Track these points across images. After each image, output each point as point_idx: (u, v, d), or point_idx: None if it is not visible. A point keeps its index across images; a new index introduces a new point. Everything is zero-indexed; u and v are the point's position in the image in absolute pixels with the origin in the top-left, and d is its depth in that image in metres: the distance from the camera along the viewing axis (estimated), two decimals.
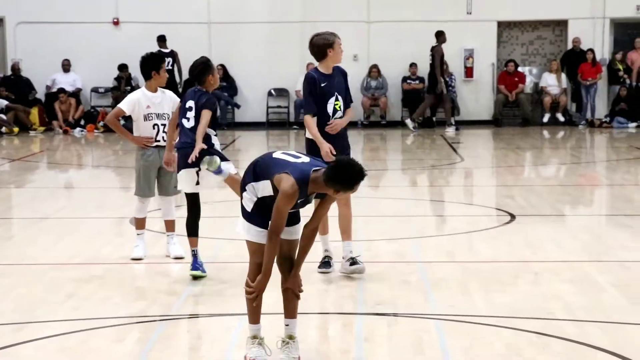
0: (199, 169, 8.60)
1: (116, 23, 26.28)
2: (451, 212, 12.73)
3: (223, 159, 8.62)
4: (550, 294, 7.96)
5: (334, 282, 8.52)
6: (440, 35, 24.23)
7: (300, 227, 6.17)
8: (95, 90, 26.44)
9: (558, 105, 25.96)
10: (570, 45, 26.11)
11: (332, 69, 8.71)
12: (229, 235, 10.25)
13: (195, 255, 8.66)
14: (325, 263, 8.82)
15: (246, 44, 26.02)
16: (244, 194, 6.12)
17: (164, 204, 9.50)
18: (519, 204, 12.71)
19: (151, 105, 9.26)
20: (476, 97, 26.39)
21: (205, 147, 8.46)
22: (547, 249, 9.91)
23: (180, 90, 23.97)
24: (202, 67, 8.70)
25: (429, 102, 25.01)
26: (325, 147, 8.51)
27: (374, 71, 25.82)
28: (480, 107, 26.36)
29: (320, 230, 8.79)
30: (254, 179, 6.07)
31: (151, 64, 9.31)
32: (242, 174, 6.37)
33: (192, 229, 8.75)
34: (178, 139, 8.79)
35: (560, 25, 26.52)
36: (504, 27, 26.52)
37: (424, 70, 26.00)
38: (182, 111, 8.70)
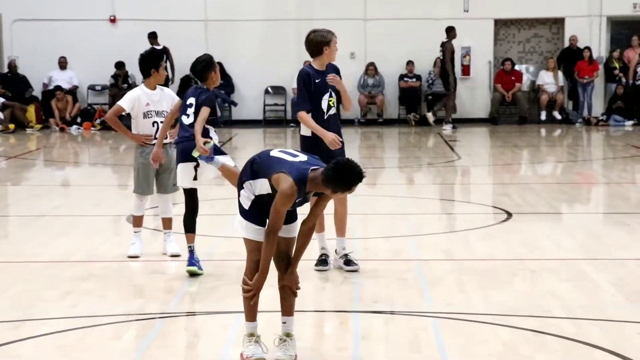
0: (197, 165, 8.60)
1: (113, 20, 26.26)
2: (448, 210, 12.74)
3: (221, 153, 8.63)
4: (547, 292, 7.97)
5: (331, 280, 8.53)
6: (450, 31, 24.28)
7: (297, 225, 6.17)
8: (92, 87, 26.42)
9: (555, 104, 25.96)
10: (567, 43, 26.12)
11: (325, 66, 8.73)
12: (226, 232, 10.26)
13: (191, 251, 8.66)
14: (322, 261, 8.83)
15: (243, 42, 26.01)
16: (242, 191, 6.11)
17: (162, 201, 9.50)
18: (516, 202, 12.71)
19: (150, 102, 9.26)
20: (473, 95, 26.39)
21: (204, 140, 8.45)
22: (544, 247, 9.91)
23: (169, 86, 23.93)
24: (204, 63, 8.70)
25: (453, 98, 24.96)
26: (329, 136, 8.51)
27: (371, 69, 25.82)
28: (477, 105, 26.37)
29: (317, 228, 8.79)
30: (251, 177, 6.07)
31: (150, 61, 9.30)
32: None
33: (190, 226, 8.75)
34: (177, 134, 8.80)
35: (557, 23, 26.53)
36: (500, 25, 26.53)
37: (420, 68, 26.02)
38: (183, 108, 8.71)
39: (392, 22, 25.92)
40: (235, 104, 25.84)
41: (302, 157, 6.05)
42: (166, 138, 9.35)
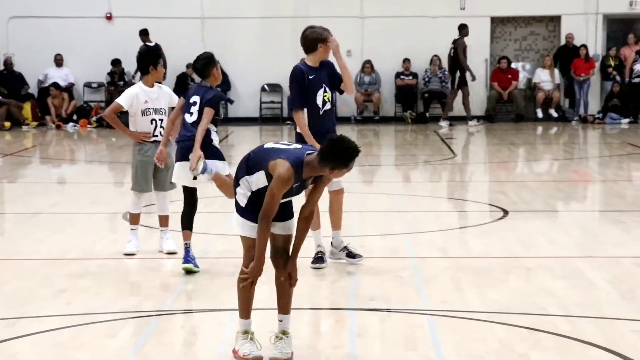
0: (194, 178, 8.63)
1: (109, 18, 26.24)
2: (444, 207, 12.74)
3: (220, 157, 8.63)
4: (542, 289, 7.97)
5: (327, 277, 8.53)
6: (463, 28, 24.33)
7: (294, 222, 6.17)
8: (88, 85, 26.41)
9: (551, 101, 25.98)
10: (563, 41, 26.14)
11: (319, 62, 8.74)
12: (222, 230, 10.26)
13: (187, 249, 8.66)
14: (319, 259, 8.83)
15: (239, 40, 26.00)
16: (238, 189, 6.11)
17: (159, 199, 9.50)
18: (512, 200, 12.72)
19: (149, 100, 9.26)
20: (469, 92, 26.37)
21: (201, 154, 8.42)
22: (540, 244, 9.92)
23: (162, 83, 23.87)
24: (205, 60, 8.69)
25: (467, 95, 24.96)
26: (317, 145, 8.51)
27: (367, 67, 25.82)
28: (474, 102, 26.33)
29: (313, 226, 8.80)
30: (247, 173, 6.06)
31: (149, 58, 9.30)
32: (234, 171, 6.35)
33: (187, 223, 8.75)
34: (180, 132, 8.78)
35: (554, 21, 26.54)
36: (497, 22, 26.54)
37: (417, 65, 26.03)
38: (186, 106, 8.69)
39: (388, 19, 25.92)
40: (231, 102, 25.79)
41: (297, 146, 6.09)
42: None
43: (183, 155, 8.61)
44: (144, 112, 9.26)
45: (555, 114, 25.93)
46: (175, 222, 9.67)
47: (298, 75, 8.68)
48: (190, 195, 8.79)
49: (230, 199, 6.93)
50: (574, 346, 6.43)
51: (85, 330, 6.92)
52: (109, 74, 25.92)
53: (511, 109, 26.43)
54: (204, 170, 8.38)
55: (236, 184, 6.14)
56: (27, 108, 25.59)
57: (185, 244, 8.69)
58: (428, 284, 8.21)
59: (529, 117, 26.02)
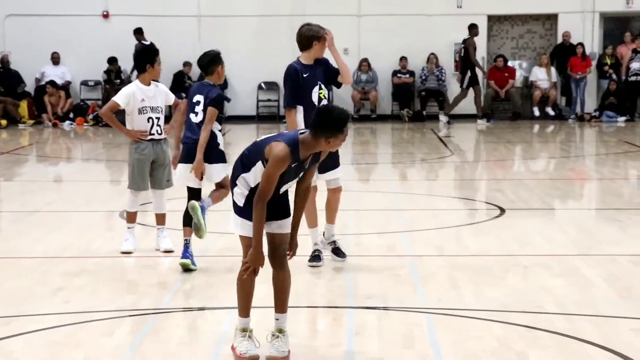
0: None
1: (106, 16, 26.21)
2: (441, 206, 12.74)
3: (223, 160, 8.63)
4: (539, 287, 7.98)
5: (324, 275, 8.53)
6: (473, 28, 24.37)
7: (288, 222, 6.16)
8: (84, 83, 26.38)
9: (548, 100, 25.98)
10: (560, 39, 26.14)
11: (314, 60, 8.74)
12: (221, 229, 10.25)
13: (187, 245, 8.65)
14: (315, 257, 8.83)
15: (236, 38, 25.98)
16: (235, 189, 6.10)
17: (156, 197, 9.49)
18: (509, 198, 12.73)
19: (146, 98, 9.25)
20: (482, 91, 26.36)
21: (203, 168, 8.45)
22: (537, 242, 9.92)
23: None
24: (211, 57, 8.70)
25: (479, 93, 25.00)
26: None
27: (364, 65, 25.81)
28: (471, 101, 26.30)
29: (310, 224, 8.82)
30: (243, 170, 6.05)
31: (146, 57, 9.29)
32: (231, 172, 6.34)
33: (189, 221, 8.74)
34: (183, 132, 8.77)
35: (550, 19, 26.54)
36: (494, 21, 26.53)
37: (414, 64, 26.02)
38: (190, 105, 8.68)
39: (385, 18, 25.91)
40: (228, 100, 25.79)
41: (290, 132, 6.11)
42: (160, 134, 9.34)
43: (188, 157, 8.62)
44: (140, 111, 9.25)
45: (552, 112, 25.93)
46: (172, 220, 9.67)
47: (292, 74, 8.68)
48: (194, 196, 8.80)
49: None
50: (571, 344, 6.43)
51: (82, 328, 6.92)
52: (105, 72, 25.89)
53: (508, 107, 26.41)
54: (202, 211, 8.46)
55: (233, 184, 6.13)
56: (23, 106, 25.56)
57: (185, 240, 8.69)
58: (425, 282, 8.20)
59: (526, 116, 26.02)
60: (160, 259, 9.26)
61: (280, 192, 6.07)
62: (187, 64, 25.93)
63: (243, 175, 6.05)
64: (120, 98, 9.25)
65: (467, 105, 26.24)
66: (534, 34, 26.75)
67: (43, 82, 25.72)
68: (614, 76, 25.48)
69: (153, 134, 9.29)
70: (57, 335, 6.73)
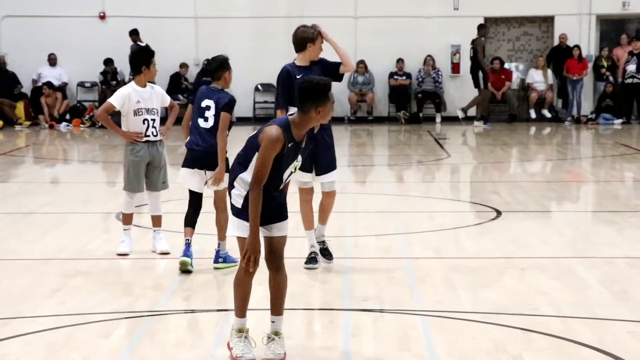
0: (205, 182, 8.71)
1: (102, 17, 26.22)
2: (437, 208, 12.74)
3: (227, 168, 8.66)
4: (535, 290, 7.98)
5: (321, 278, 8.53)
6: (482, 28, 24.41)
7: (287, 224, 6.16)
8: (81, 84, 26.38)
9: (544, 102, 26.01)
10: (556, 42, 26.17)
11: (310, 62, 8.74)
12: (216, 231, 10.24)
13: (188, 244, 8.65)
14: (312, 259, 8.83)
15: (233, 39, 25.97)
16: (233, 191, 6.10)
17: (151, 199, 9.49)
18: (505, 200, 12.74)
19: (141, 100, 9.24)
20: (462, 92, 26.38)
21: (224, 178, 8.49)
22: (533, 245, 9.93)
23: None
24: (220, 62, 8.69)
25: (485, 95, 25.06)
26: None
27: (361, 67, 25.82)
28: (467, 102, 26.37)
29: (306, 226, 8.82)
30: (240, 170, 6.06)
31: (141, 58, 9.29)
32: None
33: (190, 221, 8.78)
34: (189, 137, 8.76)
35: (547, 21, 26.57)
36: (490, 23, 26.54)
37: (410, 66, 26.04)
38: (199, 110, 8.66)
39: (382, 20, 25.93)
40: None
41: (279, 117, 6.15)
42: (156, 135, 9.34)
43: (193, 162, 8.64)
44: (136, 112, 9.25)
45: (548, 115, 25.96)
46: (168, 222, 9.68)
47: (284, 75, 8.69)
48: (196, 199, 8.82)
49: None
50: (567, 347, 6.44)
51: (78, 330, 6.92)
52: (101, 73, 25.89)
53: (504, 110, 26.44)
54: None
55: (231, 186, 6.13)
56: (20, 107, 25.56)
57: (186, 239, 8.69)
58: (421, 284, 8.21)
59: (522, 118, 26.05)
60: (156, 261, 9.26)
61: (284, 179, 6.05)
62: (183, 66, 25.94)
63: (241, 175, 6.06)
64: (115, 99, 9.25)
65: (460, 105, 26.27)
66: (531, 36, 26.77)
67: (40, 84, 25.71)
68: (611, 78, 25.50)
69: (148, 136, 9.29)
70: (54, 336, 6.73)
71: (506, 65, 26.12)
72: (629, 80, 25.21)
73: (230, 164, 6.23)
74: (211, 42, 25.95)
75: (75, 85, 26.36)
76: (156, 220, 9.47)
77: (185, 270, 8.58)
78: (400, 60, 25.97)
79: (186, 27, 26.10)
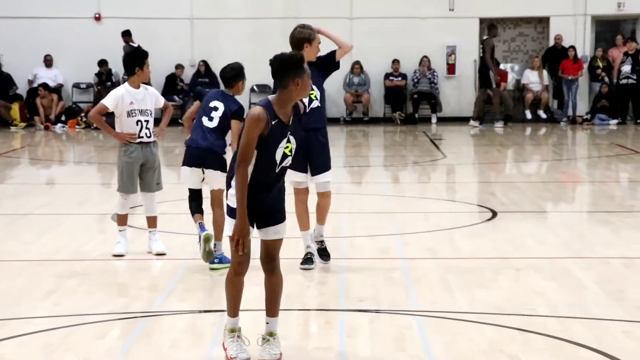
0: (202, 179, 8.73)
1: (98, 18, 26.19)
2: (433, 208, 12.74)
3: (224, 169, 8.67)
4: (531, 290, 7.99)
5: (316, 278, 8.53)
6: (492, 29, 24.41)
7: (284, 227, 6.14)
8: (76, 85, 26.35)
9: (540, 102, 26.03)
10: (552, 42, 26.19)
11: (307, 62, 8.72)
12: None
13: (202, 225, 8.65)
14: (308, 260, 8.83)
15: (229, 40, 25.96)
16: (230, 191, 6.10)
17: (146, 200, 9.48)
18: (501, 201, 12.74)
19: (134, 101, 9.24)
20: (458, 93, 26.43)
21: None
22: (529, 245, 9.93)
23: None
24: (235, 72, 8.75)
25: (482, 96, 25.08)
26: None
27: (357, 67, 25.82)
28: (462, 103, 26.40)
29: (301, 226, 8.82)
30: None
31: (135, 59, 9.29)
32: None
33: (197, 209, 8.84)
34: (191, 135, 8.77)
35: (542, 22, 26.59)
36: (486, 23, 26.53)
37: (406, 66, 26.05)
38: (206, 109, 8.67)
39: (377, 20, 25.93)
40: None
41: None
42: (149, 137, 9.33)
43: (194, 161, 8.65)
44: (129, 114, 9.24)
45: (544, 115, 25.98)
46: (164, 223, 9.67)
47: None
48: (195, 194, 8.88)
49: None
50: (564, 347, 6.44)
51: (74, 331, 6.91)
52: (96, 74, 25.86)
53: (500, 110, 26.43)
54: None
55: (228, 186, 6.13)
56: (15, 109, 25.52)
57: (199, 222, 8.71)
58: (417, 285, 8.21)
59: (518, 118, 26.06)
60: (152, 262, 9.25)
61: (277, 162, 6.01)
62: (179, 67, 25.92)
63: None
64: (108, 101, 9.25)
65: (456, 106, 26.31)
66: (526, 37, 26.79)
67: (35, 85, 25.68)
68: (606, 79, 25.53)
69: (142, 137, 9.28)
70: (50, 337, 6.72)
71: (502, 66, 26.13)
72: (624, 81, 25.24)
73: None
74: (207, 44, 25.95)
75: (70, 86, 26.32)
76: (151, 221, 9.46)
77: (208, 238, 8.50)
78: (395, 61, 25.98)
79: (182, 28, 26.08)
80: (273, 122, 5.94)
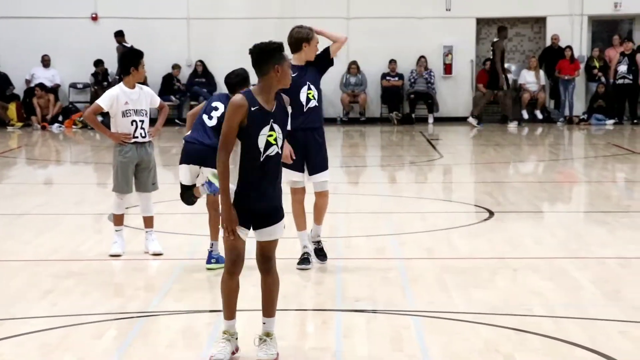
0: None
1: (95, 18, 26.17)
2: (430, 208, 12.75)
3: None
4: (528, 290, 8.00)
5: (313, 278, 8.53)
6: (502, 31, 24.44)
7: (279, 228, 6.13)
8: (73, 85, 26.33)
9: (536, 102, 26.04)
10: (548, 42, 26.20)
11: (305, 62, 8.75)
12: (208, 231, 10.24)
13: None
14: (304, 260, 8.83)
15: (225, 40, 25.95)
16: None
17: (142, 200, 9.48)
18: (498, 201, 12.75)
19: (129, 101, 9.23)
20: (455, 93, 26.43)
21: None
22: (526, 245, 9.94)
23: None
24: (240, 78, 8.74)
25: (488, 97, 25.11)
26: (286, 150, 8.53)
27: (353, 67, 25.83)
28: (459, 103, 26.41)
29: (298, 226, 8.83)
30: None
31: (130, 59, 9.29)
32: None
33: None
34: (191, 132, 8.78)
35: (539, 22, 26.61)
36: (482, 23, 26.58)
37: (403, 66, 26.05)
38: (207, 109, 8.70)
39: (374, 20, 25.93)
40: None
41: None
42: (144, 137, 9.33)
43: (192, 159, 8.66)
44: (124, 114, 9.24)
45: (540, 115, 25.99)
46: (160, 223, 9.67)
47: None
48: (184, 189, 8.89)
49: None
50: (560, 347, 6.45)
51: (71, 331, 6.91)
52: (93, 74, 25.85)
53: (497, 110, 26.47)
54: (214, 190, 8.45)
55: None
56: (12, 109, 25.51)
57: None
58: (414, 285, 8.22)
59: (515, 119, 26.05)
60: (148, 262, 9.25)
61: (261, 151, 6.00)
62: (176, 67, 25.90)
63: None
64: (103, 101, 9.25)
65: (454, 107, 26.31)
66: (523, 37, 26.80)
67: (32, 84, 25.66)
68: (603, 79, 25.55)
69: (137, 137, 9.28)
70: (47, 338, 6.72)
71: None
72: (620, 81, 25.25)
73: None
74: (204, 43, 25.95)
75: (67, 86, 26.30)
76: (148, 221, 9.46)
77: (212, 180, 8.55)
78: (392, 61, 25.98)
79: (179, 28, 26.07)
80: (253, 109, 5.98)
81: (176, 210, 11.55)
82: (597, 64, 25.75)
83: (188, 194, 8.90)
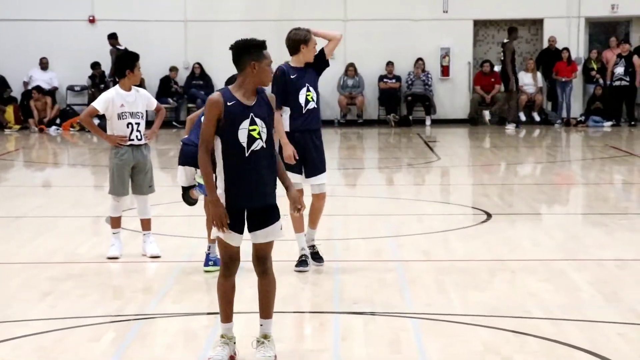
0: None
1: (92, 21, 26.17)
2: (428, 210, 12.75)
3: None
4: (526, 292, 7.99)
5: (311, 280, 8.52)
6: (512, 32, 24.45)
7: (275, 230, 6.11)
8: (71, 88, 26.31)
9: (534, 104, 26.05)
10: (546, 44, 26.22)
11: (304, 64, 8.74)
12: (204, 234, 10.23)
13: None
14: (302, 262, 8.82)
15: (223, 42, 25.61)
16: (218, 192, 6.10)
17: (139, 202, 9.47)
18: (495, 203, 12.75)
19: (125, 104, 9.23)
20: (452, 95, 26.45)
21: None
22: (524, 247, 9.94)
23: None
24: None
25: (515, 97, 25.13)
26: (288, 151, 8.54)
27: (351, 70, 25.83)
28: (457, 105, 26.43)
29: (296, 228, 8.82)
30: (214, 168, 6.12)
31: (126, 62, 9.28)
32: None
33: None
34: (190, 134, 8.78)
35: (536, 24, 26.62)
36: (480, 25, 26.60)
37: (400, 69, 26.06)
38: None
39: (371, 23, 25.94)
40: None
41: None
42: (140, 139, 9.32)
43: (188, 160, 8.66)
44: (120, 116, 9.23)
45: (538, 117, 26.00)
46: (158, 225, 9.66)
47: (278, 75, 8.70)
48: (185, 190, 8.90)
49: None
50: (558, 349, 6.44)
51: (68, 334, 6.90)
52: (90, 77, 25.84)
53: (494, 112, 26.46)
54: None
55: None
56: (9, 111, 25.50)
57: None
58: (412, 287, 8.21)
59: (512, 121, 26.04)
60: (146, 264, 9.24)
61: (245, 146, 5.99)
62: (173, 69, 25.90)
63: (217, 171, 6.10)
64: (98, 103, 9.25)
65: (451, 109, 26.32)
66: (520, 39, 26.78)
67: (30, 87, 25.65)
68: (600, 81, 25.56)
69: (132, 140, 9.27)
70: (44, 340, 6.71)
71: (496, 68, 26.13)
72: (617, 83, 25.26)
73: None
74: (201, 46, 25.94)
75: (65, 88, 26.29)
76: (145, 224, 9.45)
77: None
78: (390, 63, 25.99)
79: (176, 31, 26.06)
80: (229, 103, 5.99)
81: (174, 212, 11.55)
82: (595, 66, 25.76)
83: (187, 195, 8.91)
